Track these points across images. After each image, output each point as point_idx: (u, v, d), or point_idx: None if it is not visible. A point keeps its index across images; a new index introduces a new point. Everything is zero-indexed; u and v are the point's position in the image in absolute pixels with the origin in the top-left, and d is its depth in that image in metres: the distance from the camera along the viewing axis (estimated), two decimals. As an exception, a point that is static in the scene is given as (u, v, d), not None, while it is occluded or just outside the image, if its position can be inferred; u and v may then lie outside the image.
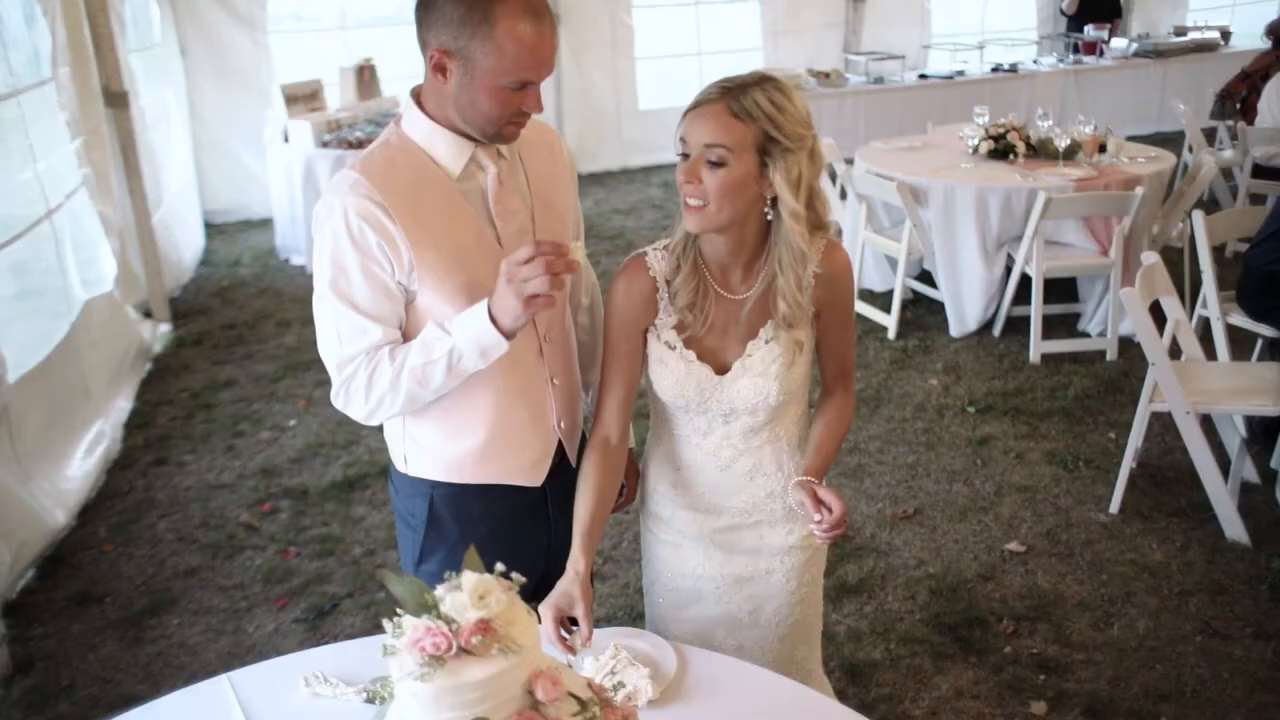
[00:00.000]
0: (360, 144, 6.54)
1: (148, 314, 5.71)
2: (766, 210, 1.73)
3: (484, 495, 1.84)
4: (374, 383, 1.69)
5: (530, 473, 1.88)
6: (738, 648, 1.96)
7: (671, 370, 1.81)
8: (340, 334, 1.70)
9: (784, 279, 1.75)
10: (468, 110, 1.66)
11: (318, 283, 1.71)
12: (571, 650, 1.64)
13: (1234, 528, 3.43)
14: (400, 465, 1.87)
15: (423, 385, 1.68)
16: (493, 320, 1.61)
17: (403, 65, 8.17)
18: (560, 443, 1.92)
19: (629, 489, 2.08)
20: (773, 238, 1.76)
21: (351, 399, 1.72)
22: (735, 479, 1.90)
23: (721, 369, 1.81)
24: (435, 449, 1.83)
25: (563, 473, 1.92)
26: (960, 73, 8.86)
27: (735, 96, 1.66)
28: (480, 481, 1.84)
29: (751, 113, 1.65)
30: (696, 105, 1.70)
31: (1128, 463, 3.65)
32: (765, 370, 1.79)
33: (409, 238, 1.66)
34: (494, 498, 1.85)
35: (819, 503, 1.69)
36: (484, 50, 1.58)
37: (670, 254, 1.80)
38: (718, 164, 1.66)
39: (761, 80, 1.68)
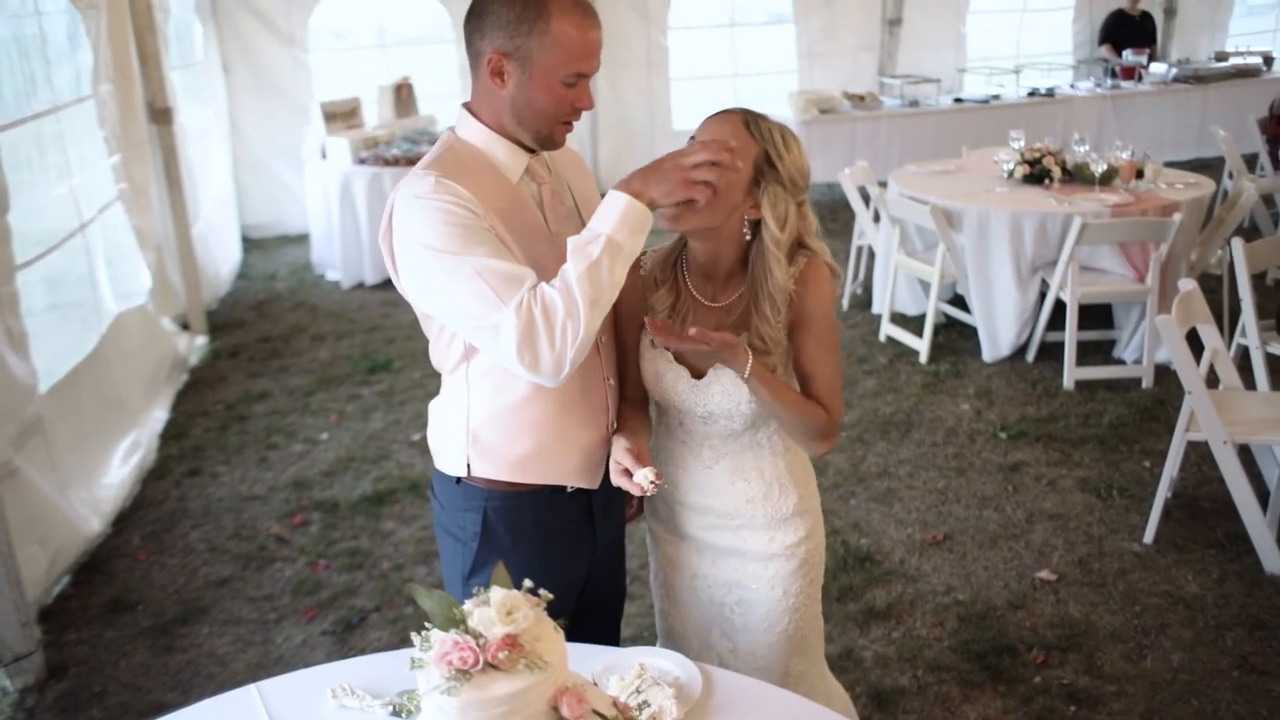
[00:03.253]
0: (397, 161, 6.62)
1: (185, 326, 5.80)
2: (745, 231, 1.81)
3: (536, 504, 1.86)
4: (550, 315, 1.60)
5: (591, 474, 1.90)
6: (731, 650, 2.01)
7: (651, 365, 1.91)
8: (496, 291, 1.61)
9: (759, 313, 1.80)
10: (525, 111, 1.72)
11: (435, 261, 1.64)
12: (640, 489, 1.72)
13: (1273, 560, 3.37)
14: (460, 472, 1.86)
15: (596, 289, 1.61)
16: (635, 194, 1.64)
17: (440, 84, 8.30)
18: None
19: (638, 503, 2.15)
20: (753, 258, 1.82)
21: (537, 347, 1.61)
22: (718, 480, 1.94)
23: (697, 373, 1.87)
24: (500, 450, 1.84)
25: (606, 479, 1.94)
26: (996, 97, 8.82)
27: (750, 117, 1.80)
28: (543, 482, 1.86)
29: (762, 133, 1.78)
30: (715, 114, 1.82)
31: (1163, 492, 3.60)
32: (737, 381, 1.82)
33: (494, 230, 1.69)
34: (544, 506, 1.87)
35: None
36: (541, 46, 1.66)
37: (656, 262, 1.92)
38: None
39: (775, 123, 1.82)
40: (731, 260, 1.85)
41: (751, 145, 1.77)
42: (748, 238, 1.81)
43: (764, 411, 1.84)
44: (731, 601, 2.00)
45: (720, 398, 1.84)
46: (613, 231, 1.64)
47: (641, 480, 1.71)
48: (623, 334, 1.95)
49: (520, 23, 1.65)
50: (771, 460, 1.93)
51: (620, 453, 1.78)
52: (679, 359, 1.88)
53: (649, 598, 3.31)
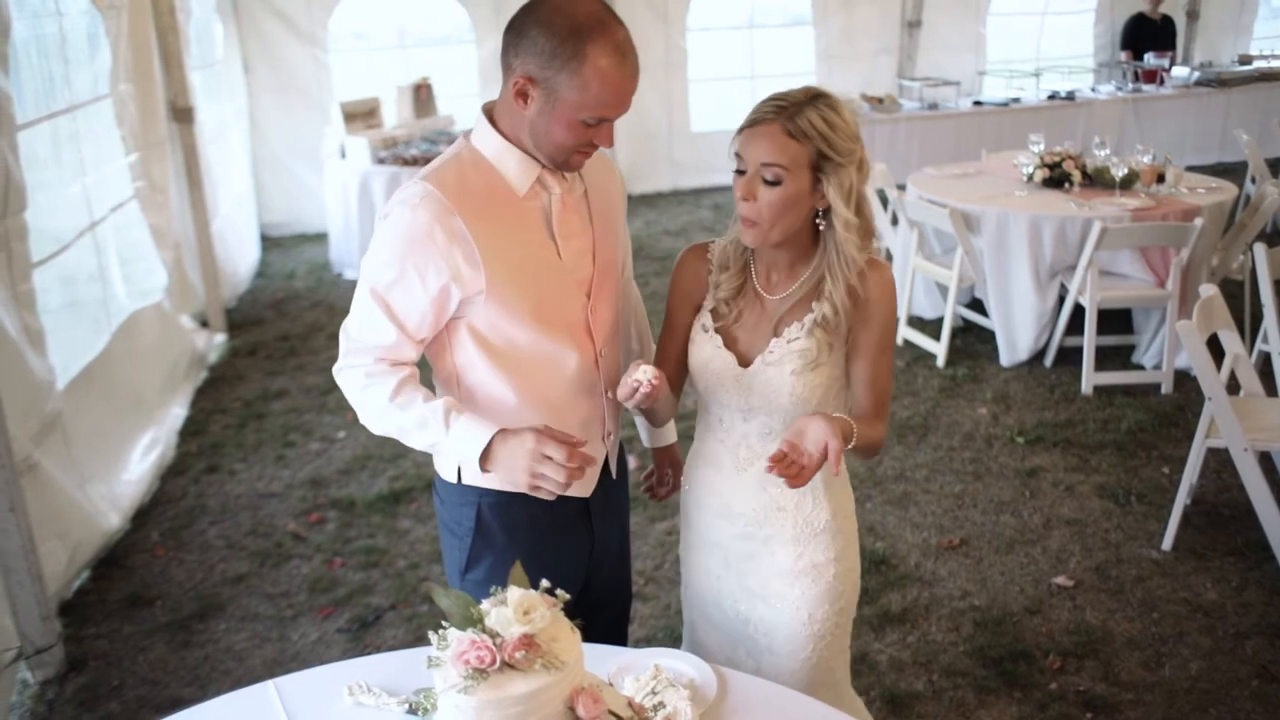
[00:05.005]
0: (415, 161, 6.65)
1: (204, 324, 5.83)
2: (819, 220, 1.79)
3: (530, 504, 1.85)
4: (366, 395, 1.74)
5: (583, 484, 1.90)
6: (756, 670, 1.97)
7: (700, 350, 1.89)
8: (360, 320, 1.75)
9: (833, 284, 1.78)
10: (541, 137, 1.70)
11: (363, 266, 1.75)
12: (637, 382, 1.69)
13: (1293, 569, 3.34)
14: (451, 476, 1.88)
15: (401, 437, 1.75)
16: (485, 453, 1.65)
17: (459, 84, 8.33)
18: (606, 454, 1.96)
19: (674, 478, 2.18)
20: (823, 244, 1.81)
21: (346, 386, 1.78)
22: (750, 483, 1.91)
23: (745, 361, 1.85)
24: None
25: (605, 483, 1.96)
26: (1016, 100, 8.77)
27: (789, 116, 1.71)
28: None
29: (806, 132, 1.71)
30: (752, 124, 1.75)
31: (1182, 499, 3.57)
32: (781, 366, 1.80)
33: (481, 251, 1.69)
34: (540, 506, 1.86)
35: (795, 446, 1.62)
36: (569, 85, 1.63)
37: (727, 249, 1.89)
38: (773, 182, 1.73)
39: (813, 98, 1.73)
40: (799, 249, 1.83)
41: (800, 150, 1.71)
42: (821, 227, 1.80)
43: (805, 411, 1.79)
44: (755, 619, 1.96)
45: (762, 386, 1.83)
46: (448, 448, 1.70)
47: (641, 376, 1.68)
48: (675, 314, 1.94)
49: (555, 56, 1.62)
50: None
51: (634, 367, 1.74)
52: (729, 345, 1.86)
53: (663, 598, 3.33)
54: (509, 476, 1.65)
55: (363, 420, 1.79)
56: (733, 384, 1.85)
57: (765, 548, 1.93)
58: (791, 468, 1.62)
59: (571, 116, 1.66)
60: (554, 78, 1.63)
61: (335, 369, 1.80)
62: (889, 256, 6.00)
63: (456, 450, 1.69)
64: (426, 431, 1.71)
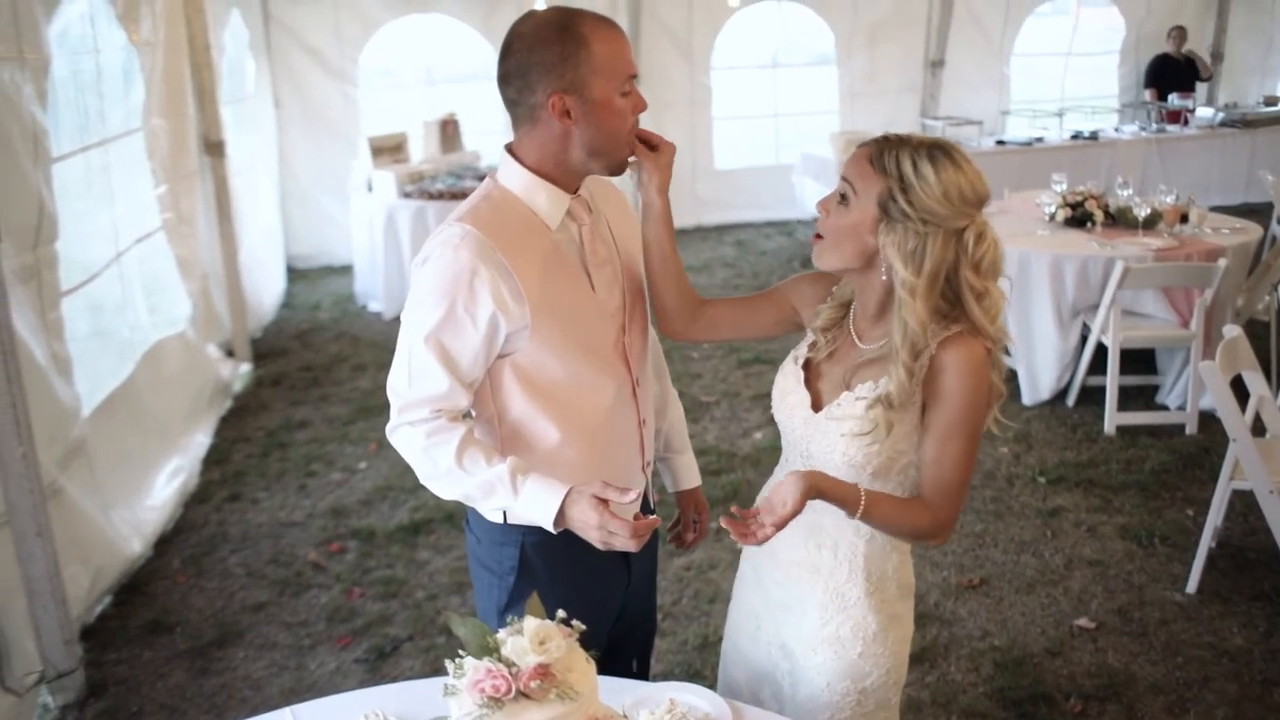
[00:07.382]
0: (440, 195, 6.73)
1: (230, 353, 5.90)
2: (884, 273, 1.70)
3: (571, 539, 1.80)
4: (429, 455, 1.73)
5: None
6: (779, 712, 1.91)
7: (784, 379, 1.86)
8: (410, 373, 1.73)
9: (895, 354, 1.68)
10: (597, 138, 1.74)
11: (407, 316, 1.75)
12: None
13: (1320, 614, 3.29)
14: (497, 518, 1.85)
15: (467, 501, 1.77)
16: (559, 513, 1.66)
17: (484, 119, 8.44)
18: (646, 484, 1.97)
19: (701, 523, 2.17)
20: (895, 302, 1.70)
21: (404, 446, 1.76)
22: (796, 531, 1.81)
23: (818, 404, 1.80)
24: None
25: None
26: (1039, 139, 8.79)
27: (882, 148, 1.68)
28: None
29: (887, 167, 1.66)
30: (858, 147, 1.74)
31: (1207, 541, 3.53)
32: (841, 424, 1.73)
33: (525, 286, 1.72)
34: (581, 543, 1.81)
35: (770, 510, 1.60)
36: (592, 68, 1.69)
37: (847, 284, 1.84)
38: (842, 200, 1.71)
39: (922, 144, 1.67)
40: (875, 302, 1.75)
41: (875, 181, 1.66)
42: (883, 277, 1.70)
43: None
44: (785, 669, 1.90)
45: (821, 437, 1.76)
46: (519, 509, 1.70)
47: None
48: (775, 289, 1.93)
49: (566, 59, 1.68)
50: (851, 538, 1.79)
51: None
52: (810, 382, 1.81)
53: (680, 634, 3.32)
54: (580, 531, 1.67)
55: (423, 481, 1.77)
56: (801, 425, 1.80)
57: (798, 603, 1.86)
58: (743, 527, 1.61)
59: (610, 96, 1.71)
60: (576, 74, 1.69)
61: (389, 429, 1.78)
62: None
63: (527, 514, 1.70)
64: (495, 498, 1.71)
